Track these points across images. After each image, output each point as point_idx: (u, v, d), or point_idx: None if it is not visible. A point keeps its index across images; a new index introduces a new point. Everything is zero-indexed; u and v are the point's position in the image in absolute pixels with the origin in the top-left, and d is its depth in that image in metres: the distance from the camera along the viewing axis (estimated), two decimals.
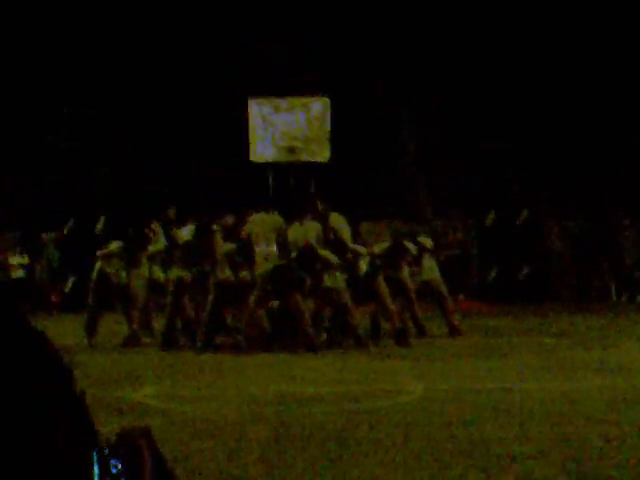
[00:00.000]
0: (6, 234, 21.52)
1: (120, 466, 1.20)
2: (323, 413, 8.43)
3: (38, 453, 0.84)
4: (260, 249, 13.47)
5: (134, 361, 12.28)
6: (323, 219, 14.25)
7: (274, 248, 13.68)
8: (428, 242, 15.15)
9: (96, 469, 1.18)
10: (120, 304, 14.55)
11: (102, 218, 21.42)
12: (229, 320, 14.53)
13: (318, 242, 13.73)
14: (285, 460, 6.58)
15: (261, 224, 13.83)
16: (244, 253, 13.14)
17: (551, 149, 21.43)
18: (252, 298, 13.17)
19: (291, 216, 14.35)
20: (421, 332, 14.35)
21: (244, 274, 13.27)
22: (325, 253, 13.41)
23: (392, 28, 21.31)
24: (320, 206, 14.36)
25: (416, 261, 14.71)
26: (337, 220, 14.47)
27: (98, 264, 14.30)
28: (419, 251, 14.70)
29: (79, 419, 0.89)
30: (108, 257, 14.26)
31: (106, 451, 1.20)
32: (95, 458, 1.18)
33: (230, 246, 13.42)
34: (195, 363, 12.12)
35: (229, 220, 14.47)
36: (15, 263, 21.32)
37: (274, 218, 14.02)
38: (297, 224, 14.11)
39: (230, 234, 14.15)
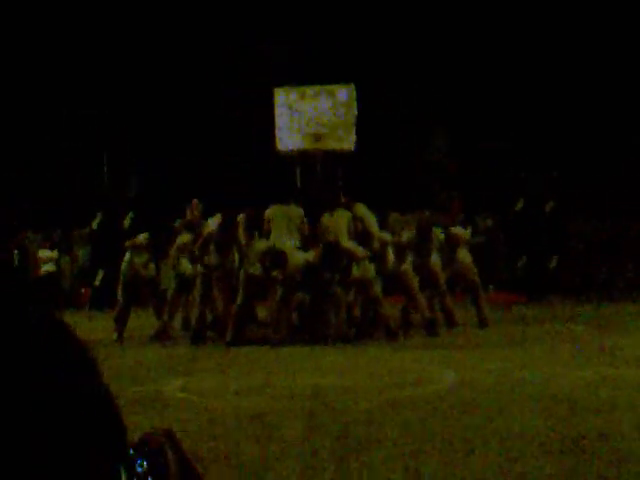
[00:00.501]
0: (40, 231, 21.64)
1: (146, 464, 1.18)
2: (354, 404, 8.40)
3: (65, 450, 0.80)
4: (283, 241, 13.43)
5: (163, 354, 12.30)
6: (348, 210, 14.21)
7: (296, 240, 13.65)
8: (463, 232, 14.99)
9: (123, 473, 1.16)
10: (150, 297, 14.57)
11: (130, 213, 21.50)
12: (260, 314, 14.55)
13: (349, 232, 13.65)
14: (316, 452, 6.55)
15: (282, 216, 13.80)
16: (274, 256, 13.07)
17: (581, 140, 21.26)
18: (281, 292, 13.15)
19: (317, 207, 14.32)
20: (451, 323, 14.22)
21: (274, 273, 13.21)
22: (350, 245, 13.33)
23: (420, 13, 21.26)
24: (343, 198, 14.32)
25: (450, 251, 14.58)
26: (362, 210, 14.43)
27: (128, 256, 14.30)
28: (453, 241, 14.55)
29: (108, 418, 0.85)
30: (137, 248, 14.27)
31: (131, 451, 1.18)
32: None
33: (261, 245, 13.34)
34: (224, 357, 12.13)
35: (249, 212, 14.45)
36: (45, 257, 21.43)
37: (294, 210, 14.00)
38: (328, 214, 14.07)
39: (252, 226, 14.13)
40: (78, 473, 0.82)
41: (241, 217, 14.33)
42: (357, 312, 13.93)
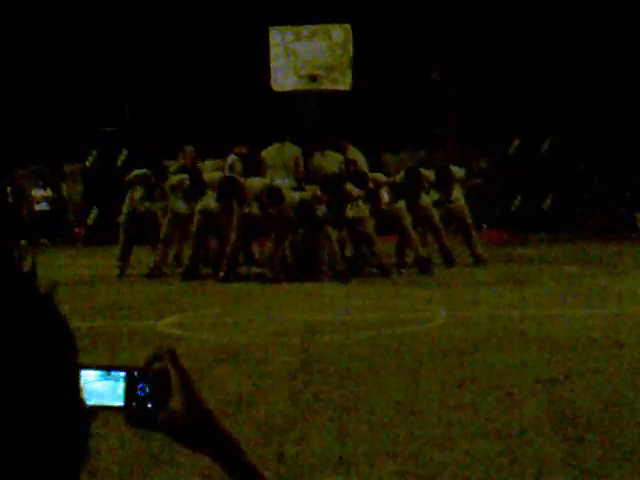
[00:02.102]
0: (28, 166, 21.54)
1: (147, 389, 1.18)
2: (347, 340, 8.44)
3: (9, 367, 0.80)
4: (278, 181, 13.43)
5: (157, 291, 12.32)
6: (340, 151, 14.20)
7: (291, 180, 13.65)
8: (459, 172, 14.99)
9: (122, 390, 1.16)
10: (148, 235, 14.55)
11: (124, 151, 21.39)
12: (256, 252, 14.56)
13: (340, 174, 13.73)
14: (309, 386, 6.60)
15: (278, 155, 13.79)
16: (270, 194, 13.03)
17: (580, 79, 21.11)
18: (276, 230, 13.15)
19: (310, 146, 14.29)
20: (449, 260, 14.25)
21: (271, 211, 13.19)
22: (347, 185, 13.33)
23: None
24: (335, 140, 14.32)
25: (445, 189, 14.56)
26: (354, 152, 14.44)
27: (128, 194, 14.28)
28: (447, 180, 14.53)
29: (50, 329, 0.84)
30: (133, 184, 14.24)
31: (135, 373, 1.18)
32: (123, 380, 1.15)
33: (258, 184, 13.29)
34: (219, 293, 12.16)
35: (243, 149, 14.41)
36: (39, 196, 21.38)
37: (290, 149, 13.96)
38: (318, 154, 14.06)
39: (246, 166, 14.12)
40: (21, 381, 0.81)
41: (233, 158, 14.29)
42: (348, 251, 13.97)
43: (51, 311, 0.85)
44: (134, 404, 1.20)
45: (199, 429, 1.20)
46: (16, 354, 0.80)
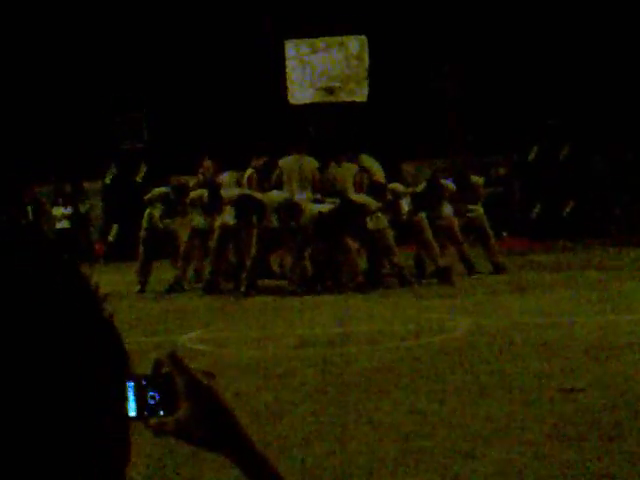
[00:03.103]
0: (48, 185, 21.65)
1: (157, 397, 1.17)
2: (370, 351, 8.41)
3: (67, 378, 0.84)
4: (296, 193, 13.44)
5: (178, 306, 12.34)
6: (353, 162, 14.19)
7: (309, 192, 13.65)
8: (478, 180, 14.98)
9: (133, 400, 1.15)
10: (168, 250, 14.63)
11: (143, 168, 21.48)
12: (274, 266, 14.58)
13: (355, 184, 13.73)
14: (332, 397, 6.58)
15: (295, 167, 13.80)
16: (289, 207, 13.06)
17: (595, 81, 21.03)
18: (296, 243, 13.16)
19: (327, 158, 14.29)
20: (470, 269, 14.22)
21: (291, 223, 13.20)
22: (361, 198, 13.33)
23: None
24: (348, 151, 14.34)
25: (463, 198, 14.55)
26: (368, 161, 14.42)
27: (147, 211, 14.38)
28: (465, 189, 14.52)
29: (109, 343, 0.87)
30: (154, 201, 14.34)
31: (143, 382, 1.17)
32: (132, 389, 1.15)
33: (276, 197, 13.32)
34: (239, 307, 12.16)
35: (261, 162, 14.43)
36: (58, 214, 21.47)
37: (307, 161, 13.98)
38: (334, 165, 14.06)
39: (262, 177, 14.13)
40: (81, 392, 0.84)
41: (251, 172, 14.30)
42: (364, 263, 13.92)
43: (110, 325, 0.90)
44: (146, 413, 1.19)
45: (214, 431, 1.19)
46: (73, 363, 0.84)
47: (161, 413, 1.19)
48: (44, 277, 0.86)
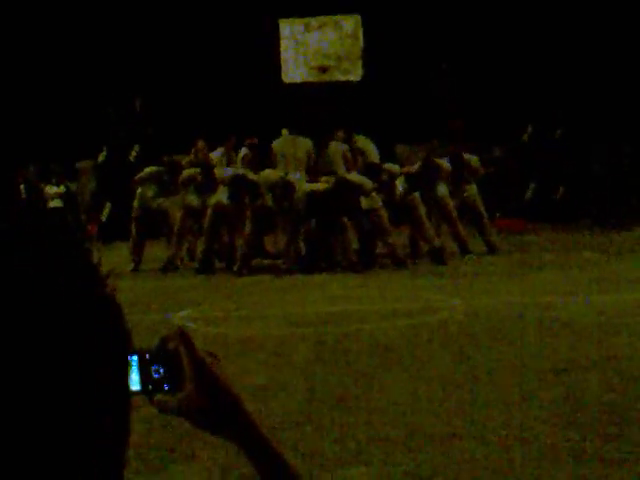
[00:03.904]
0: (41, 164, 21.57)
1: (162, 371, 1.16)
2: (363, 331, 8.42)
3: (70, 354, 0.85)
4: (290, 173, 13.42)
5: (172, 285, 12.33)
6: (348, 142, 14.15)
7: (302, 172, 13.62)
8: (473, 160, 14.96)
9: (137, 374, 1.14)
10: (161, 229, 14.63)
11: (136, 147, 21.41)
12: (268, 245, 14.55)
13: (347, 164, 13.72)
14: (325, 376, 6.58)
15: (289, 147, 13.77)
16: (283, 186, 13.04)
17: (596, 66, 20.96)
18: (289, 222, 13.15)
19: (322, 138, 14.25)
20: (464, 250, 14.21)
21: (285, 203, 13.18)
22: (358, 177, 13.30)
23: None
24: (341, 131, 14.29)
25: (457, 180, 14.54)
26: (364, 142, 14.39)
27: (139, 190, 14.37)
28: (460, 169, 14.51)
29: (110, 319, 0.88)
30: (145, 181, 14.35)
31: (147, 356, 1.16)
32: (136, 363, 1.14)
33: (271, 176, 13.30)
34: (233, 286, 12.15)
35: (254, 140, 14.39)
36: (52, 193, 21.39)
37: (302, 141, 13.94)
38: (324, 146, 14.04)
39: (256, 157, 14.10)
40: (81, 367, 0.85)
41: (245, 151, 14.28)
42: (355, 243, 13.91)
43: (111, 301, 0.92)
44: (150, 387, 1.18)
45: (217, 412, 1.18)
46: (76, 339, 0.85)
47: (166, 388, 1.17)
48: (46, 257, 0.87)
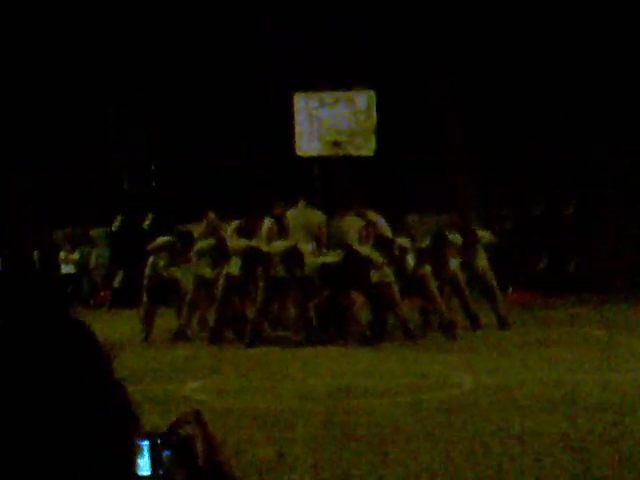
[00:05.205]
0: (56, 230, 21.72)
1: (173, 456, 1.18)
2: (372, 406, 8.39)
3: (76, 437, 0.83)
4: (299, 244, 13.45)
5: (182, 356, 12.31)
6: (361, 215, 14.20)
7: (313, 244, 13.65)
8: (482, 234, 15.01)
9: (147, 458, 1.16)
10: (172, 299, 14.65)
11: (150, 215, 21.56)
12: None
13: (360, 238, 13.73)
14: (333, 453, 6.54)
15: (300, 219, 13.82)
16: (293, 256, 13.09)
17: (603, 141, 21.08)
18: (300, 293, 13.17)
19: (334, 211, 14.32)
20: (475, 324, 14.15)
21: (297, 271, 13.20)
22: (368, 250, 13.34)
23: (438, 19, 21.18)
24: (353, 205, 14.36)
25: (467, 253, 14.56)
26: (375, 216, 14.45)
27: (151, 259, 14.43)
28: (471, 243, 14.54)
29: (118, 404, 0.88)
30: (158, 251, 14.42)
31: (158, 441, 1.18)
32: (147, 448, 1.15)
33: (281, 246, 13.36)
34: (243, 358, 12.13)
35: (279, 210, 14.39)
36: (65, 258, 21.51)
37: (315, 214, 14.00)
38: (338, 219, 14.07)
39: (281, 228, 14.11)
40: (86, 456, 0.86)
41: (271, 222, 14.21)
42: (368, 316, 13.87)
43: (119, 388, 0.93)
44: (161, 472, 1.20)
45: None
46: (79, 424, 0.86)
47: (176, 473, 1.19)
48: (55, 340, 0.87)
